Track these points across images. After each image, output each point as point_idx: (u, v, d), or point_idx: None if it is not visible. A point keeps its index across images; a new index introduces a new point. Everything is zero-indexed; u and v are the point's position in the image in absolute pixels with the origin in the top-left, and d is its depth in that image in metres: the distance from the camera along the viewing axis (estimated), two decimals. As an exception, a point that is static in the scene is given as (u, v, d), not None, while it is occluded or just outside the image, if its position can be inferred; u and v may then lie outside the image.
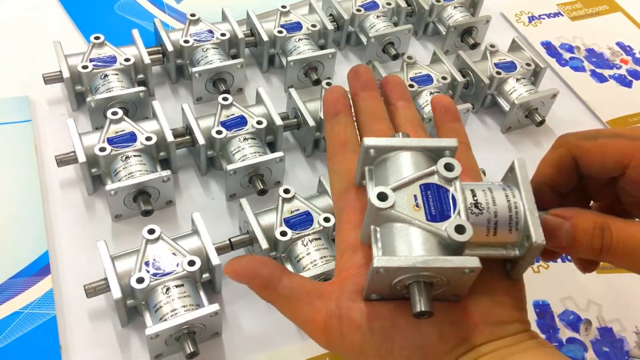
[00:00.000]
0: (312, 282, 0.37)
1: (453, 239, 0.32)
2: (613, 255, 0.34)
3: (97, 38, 0.68)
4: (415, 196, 0.34)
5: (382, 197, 0.33)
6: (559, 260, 0.61)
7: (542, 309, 0.57)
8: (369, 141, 0.36)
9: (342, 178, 0.39)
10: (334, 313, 0.35)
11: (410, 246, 0.32)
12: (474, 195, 0.34)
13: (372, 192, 0.33)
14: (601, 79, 0.81)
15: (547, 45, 0.85)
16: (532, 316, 0.56)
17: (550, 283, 0.59)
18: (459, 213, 0.33)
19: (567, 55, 0.84)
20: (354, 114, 0.43)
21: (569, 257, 0.61)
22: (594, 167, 0.37)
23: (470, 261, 0.32)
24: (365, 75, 0.44)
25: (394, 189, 0.34)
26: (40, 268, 0.55)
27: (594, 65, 0.83)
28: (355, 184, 0.38)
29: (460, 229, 0.32)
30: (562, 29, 0.88)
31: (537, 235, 0.33)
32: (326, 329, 0.35)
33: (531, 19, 0.88)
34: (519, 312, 0.35)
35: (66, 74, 0.65)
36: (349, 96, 0.44)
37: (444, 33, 0.81)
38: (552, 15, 0.90)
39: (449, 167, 0.34)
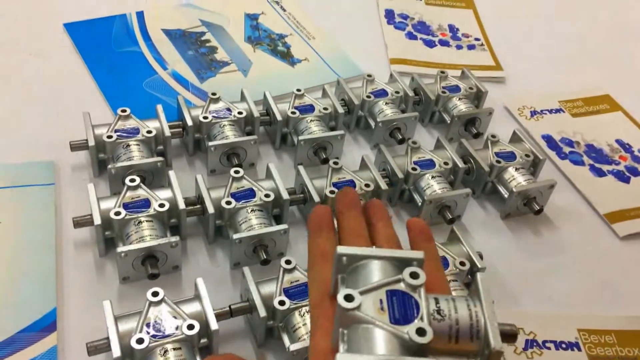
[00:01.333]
0: None
1: (414, 341, 0.34)
2: None
3: (123, 111, 0.73)
4: (381, 300, 0.36)
5: (348, 298, 0.36)
6: (552, 347, 0.61)
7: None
8: (341, 249, 0.39)
9: (319, 287, 0.42)
10: None
11: (373, 346, 0.34)
12: (437, 303, 0.37)
13: (340, 293, 0.36)
14: (600, 173, 0.84)
15: (548, 139, 0.89)
16: (523, 402, 0.57)
17: (543, 370, 0.59)
18: (421, 318, 0.35)
19: (567, 149, 0.87)
20: (337, 231, 0.47)
21: (563, 345, 0.62)
22: None
23: None
24: (351, 195, 0.49)
25: (362, 292, 0.36)
26: (47, 324, 0.57)
27: (593, 160, 0.86)
28: (330, 293, 0.41)
29: (421, 332, 0.34)
30: (563, 124, 0.92)
31: (496, 342, 0.35)
32: None
33: (533, 113, 0.93)
34: None
35: (92, 143, 0.70)
36: (333, 215, 0.48)
37: (449, 122, 0.85)
38: (553, 111, 0.94)
39: (414, 276, 0.37)
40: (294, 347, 0.54)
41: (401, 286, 0.37)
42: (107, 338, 0.52)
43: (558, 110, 0.94)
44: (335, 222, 0.49)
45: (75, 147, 0.71)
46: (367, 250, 0.39)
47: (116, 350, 0.51)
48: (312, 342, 0.40)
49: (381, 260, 0.39)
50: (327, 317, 0.40)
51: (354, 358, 0.33)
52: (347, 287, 0.38)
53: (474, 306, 0.37)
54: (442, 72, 0.89)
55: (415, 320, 0.35)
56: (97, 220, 0.61)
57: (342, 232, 0.47)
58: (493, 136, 0.79)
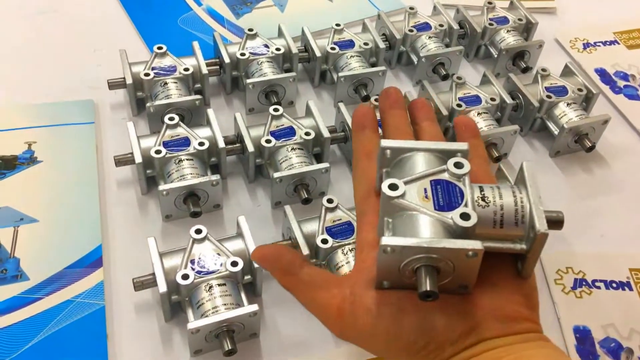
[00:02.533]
0: (330, 273, 0.41)
1: (458, 225, 0.34)
2: None
3: (159, 48, 0.72)
4: (425, 189, 0.36)
5: (392, 187, 0.36)
6: (602, 286, 0.60)
7: (583, 334, 0.56)
8: (385, 142, 0.39)
9: (365, 184, 0.42)
10: (348, 298, 0.37)
11: (418, 231, 0.34)
12: (481, 191, 0.36)
13: (384, 183, 0.36)
14: (657, 108, 0.80)
15: (601, 73, 0.84)
16: (571, 341, 0.56)
17: (593, 309, 0.58)
18: (465, 204, 0.35)
19: (621, 83, 0.82)
20: (380, 131, 0.46)
21: (613, 284, 0.60)
22: None
23: (473, 244, 0.33)
24: (394, 95, 0.47)
25: (406, 182, 0.36)
26: (93, 260, 0.58)
27: (650, 94, 0.81)
28: (376, 189, 0.40)
29: (465, 216, 0.34)
30: (618, 56, 0.86)
31: (541, 225, 0.34)
32: (340, 313, 0.37)
33: (586, 45, 0.88)
34: (529, 311, 0.36)
35: (129, 81, 0.69)
36: (377, 114, 0.46)
37: (496, 56, 0.81)
38: (607, 43, 0.89)
39: (458, 165, 0.37)
40: (337, 284, 0.54)
41: (445, 176, 0.37)
42: (153, 274, 0.53)
43: (612, 42, 0.89)
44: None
45: (113, 85, 0.70)
46: (410, 142, 0.39)
47: (162, 286, 0.51)
48: (358, 237, 0.40)
49: (425, 152, 0.38)
50: (374, 211, 0.39)
51: (398, 240, 0.33)
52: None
53: (519, 193, 0.36)
54: (490, 3, 0.84)
55: (460, 207, 0.35)
56: (138, 159, 0.61)
57: (386, 129, 0.46)
58: (543, 70, 0.75)
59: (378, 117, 0.49)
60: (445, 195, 0.36)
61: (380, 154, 0.39)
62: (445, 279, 0.34)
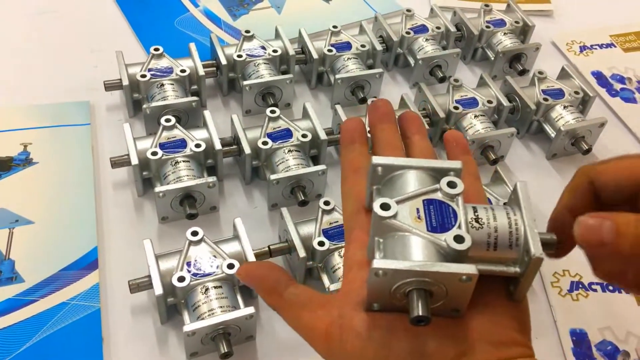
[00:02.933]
0: (317, 293, 0.39)
1: (452, 248, 0.33)
2: None
3: (156, 50, 0.71)
4: (417, 209, 0.35)
5: (385, 207, 0.34)
6: (599, 289, 0.60)
7: (579, 337, 0.56)
8: (376, 159, 0.37)
9: (353, 200, 0.41)
10: (336, 321, 0.36)
11: (410, 253, 0.33)
12: (475, 212, 0.35)
13: (376, 202, 0.35)
14: (653, 111, 0.80)
15: (598, 75, 0.84)
16: (568, 344, 0.56)
17: (589, 312, 0.58)
18: (459, 226, 0.34)
19: (617, 86, 0.83)
20: (370, 145, 0.45)
21: (610, 287, 0.60)
22: (609, 187, 0.37)
23: (468, 268, 0.32)
24: (383, 108, 0.45)
25: (398, 202, 0.35)
26: (89, 262, 0.58)
27: (646, 97, 0.81)
28: (365, 206, 0.39)
29: (459, 239, 0.33)
30: (614, 59, 0.87)
31: (536, 249, 0.33)
32: (327, 336, 0.36)
33: (582, 48, 0.88)
34: (521, 335, 0.35)
35: (125, 82, 0.69)
36: (366, 128, 0.45)
37: (493, 58, 0.81)
38: (604, 46, 0.89)
39: (451, 185, 0.36)
40: (333, 287, 0.54)
41: (438, 195, 0.36)
42: (149, 276, 0.53)
43: (609, 45, 0.89)
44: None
45: (109, 86, 0.70)
46: (402, 160, 0.38)
47: (158, 288, 0.51)
48: (346, 255, 0.39)
49: (417, 170, 0.37)
50: (362, 230, 0.38)
51: (390, 263, 0.32)
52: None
53: (514, 215, 0.35)
54: (487, 6, 0.84)
55: (453, 228, 0.34)
56: (135, 160, 0.61)
57: (376, 144, 0.44)
58: (540, 72, 0.75)
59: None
60: (438, 216, 0.35)
61: (371, 171, 0.38)
62: (437, 303, 0.34)
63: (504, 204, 0.38)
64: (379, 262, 0.32)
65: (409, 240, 0.34)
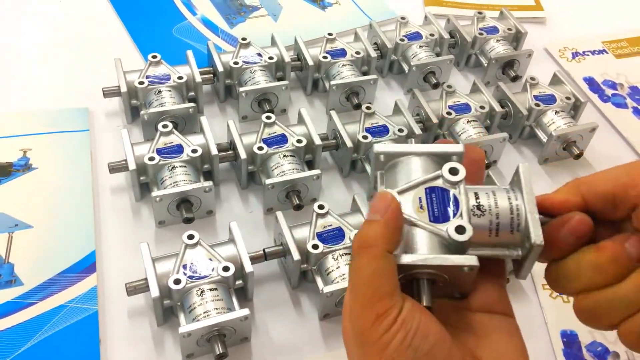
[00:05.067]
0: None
1: (453, 239, 0.34)
2: None
3: (154, 57, 0.72)
4: (420, 198, 0.36)
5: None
6: (590, 291, 0.60)
7: (570, 338, 0.57)
8: (378, 147, 0.38)
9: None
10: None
11: (413, 246, 0.34)
12: (477, 198, 0.36)
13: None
14: (644, 116, 0.81)
15: (590, 81, 0.85)
16: (558, 345, 0.56)
17: (580, 314, 0.59)
18: (461, 215, 0.35)
19: (609, 92, 0.84)
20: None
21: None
22: (599, 199, 0.37)
23: (469, 260, 0.33)
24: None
25: (400, 192, 0.36)
26: (87, 266, 0.59)
27: (637, 103, 0.82)
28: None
29: (460, 230, 0.34)
30: (606, 66, 0.88)
31: (536, 237, 0.34)
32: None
33: (575, 54, 0.89)
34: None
35: (124, 89, 0.70)
36: None
37: (486, 65, 0.82)
38: (596, 52, 0.90)
39: (453, 171, 0.36)
40: (327, 289, 0.54)
41: (440, 182, 0.36)
42: (145, 279, 0.53)
43: (601, 52, 0.90)
44: None
45: (107, 93, 0.71)
46: (404, 146, 0.38)
47: (154, 290, 0.52)
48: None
49: (419, 156, 0.37)
50: None
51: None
52: (387, 185, 0.37)
53: (515, 199, 0.35)
54: (480, 13, 0.86)
55: (455, 218, 0.34)
56: (132, 166, 0.62)
57: None
58: (532, 78, 0.76)
59: None
60: (440, 205, 0.35)
61: (374, 159, 0.39)
62: (443, 289, 0.35)
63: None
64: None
65: (412, 232, 0.35)
